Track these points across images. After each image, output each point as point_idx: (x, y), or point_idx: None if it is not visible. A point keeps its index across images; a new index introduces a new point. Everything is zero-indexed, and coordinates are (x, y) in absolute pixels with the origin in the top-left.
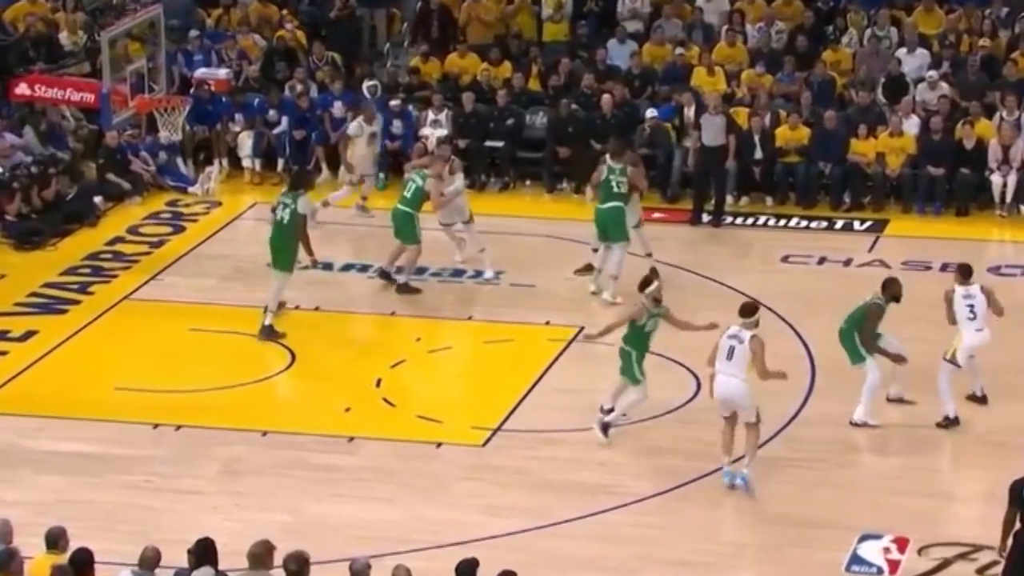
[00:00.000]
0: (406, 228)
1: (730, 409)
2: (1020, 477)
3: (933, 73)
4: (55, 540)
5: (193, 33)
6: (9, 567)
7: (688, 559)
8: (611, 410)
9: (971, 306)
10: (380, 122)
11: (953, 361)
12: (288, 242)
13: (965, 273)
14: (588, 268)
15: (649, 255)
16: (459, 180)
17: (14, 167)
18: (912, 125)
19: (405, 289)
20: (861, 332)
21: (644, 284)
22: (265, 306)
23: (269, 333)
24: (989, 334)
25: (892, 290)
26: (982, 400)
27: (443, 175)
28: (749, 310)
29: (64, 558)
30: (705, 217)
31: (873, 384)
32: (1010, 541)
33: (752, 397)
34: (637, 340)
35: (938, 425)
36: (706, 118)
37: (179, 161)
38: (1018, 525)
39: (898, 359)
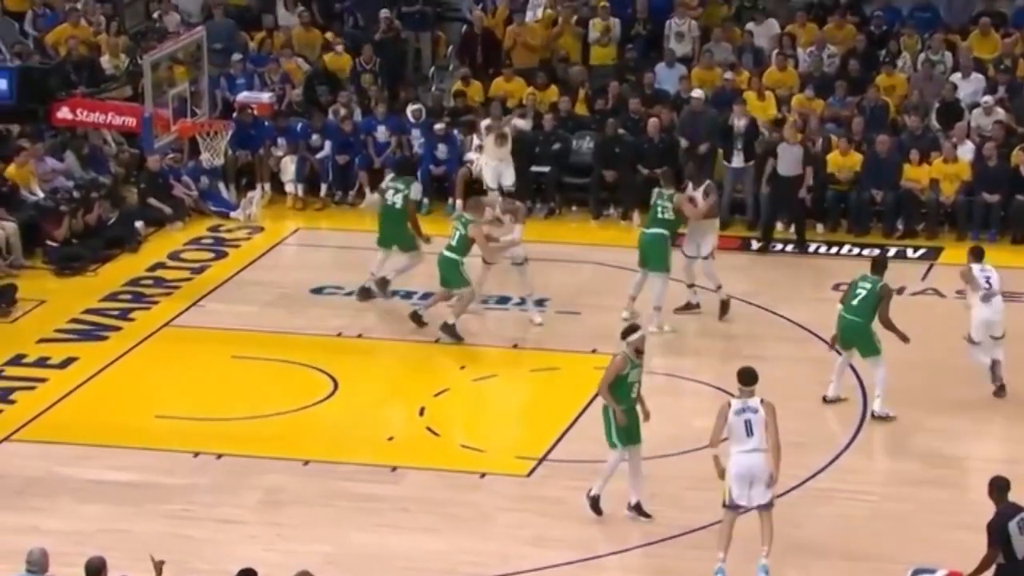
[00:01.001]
0: (452, 275)
1: (748, 488)
2: (997, 514)
3: (988, 98)
4: (96, 572)
5: (236, 57)
6: None
7: None
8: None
9: (987, 278)
10: (512, 127)
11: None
12: (400, 225)
13: (979, 255)
14: (687, 306)
15: (719, 288)
16: (518, 230)
17: (54, 191)
18: (967, 151)
19: (450, 331)
20: (879, 315)
21: (628, 332)
22: (379, 277)
23: (383, 292)
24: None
25: (885, 265)
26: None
27: (503, 220)
28: (752, 377)
29: None
30: (754, 244)
31: (884, 375)
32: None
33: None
34: (619, 391)
35: (996, 394)
36: (783, 147)
37: (221, 186)
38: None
39: (904, 338)
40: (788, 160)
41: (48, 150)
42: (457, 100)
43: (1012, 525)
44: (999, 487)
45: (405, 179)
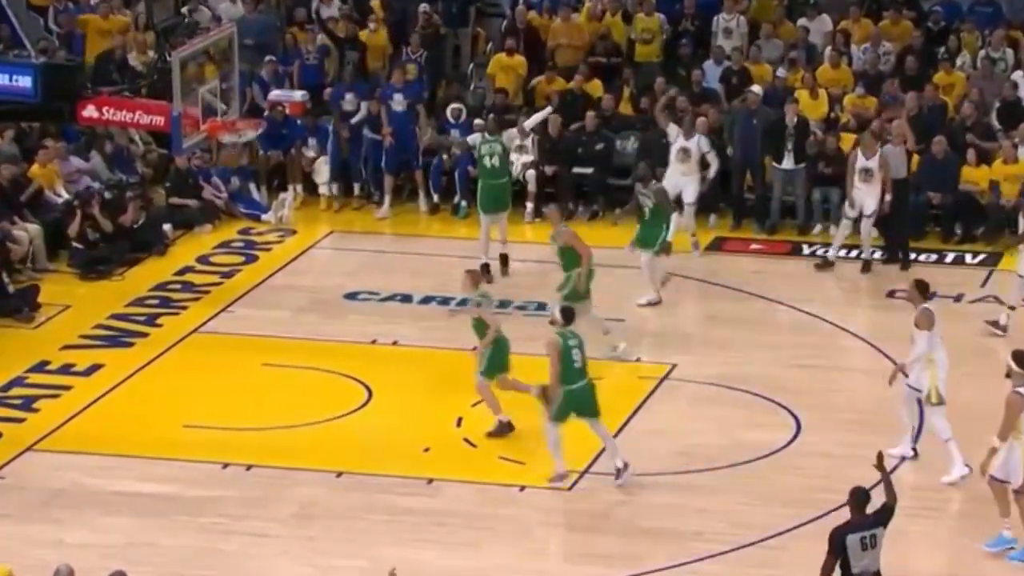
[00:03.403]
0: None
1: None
2: (841, 524)
3: None
4: None
5: (267, 58)
6: None
7: None
8: None
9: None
10: (697, 143)
11: None
12: (504, 181)
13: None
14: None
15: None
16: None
17: (78, 192)
18: None
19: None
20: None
21: None
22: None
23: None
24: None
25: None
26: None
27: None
28: None
29: None
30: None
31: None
32: None
33: None
34: None
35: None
36: (890, 149)
37: (252, 187)
38: (838, 572)
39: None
40: (894, 162)
41: (73, 149)
42: (497, 97)
43: (854, 538)
44: (857, 498)
45: (497, 136)
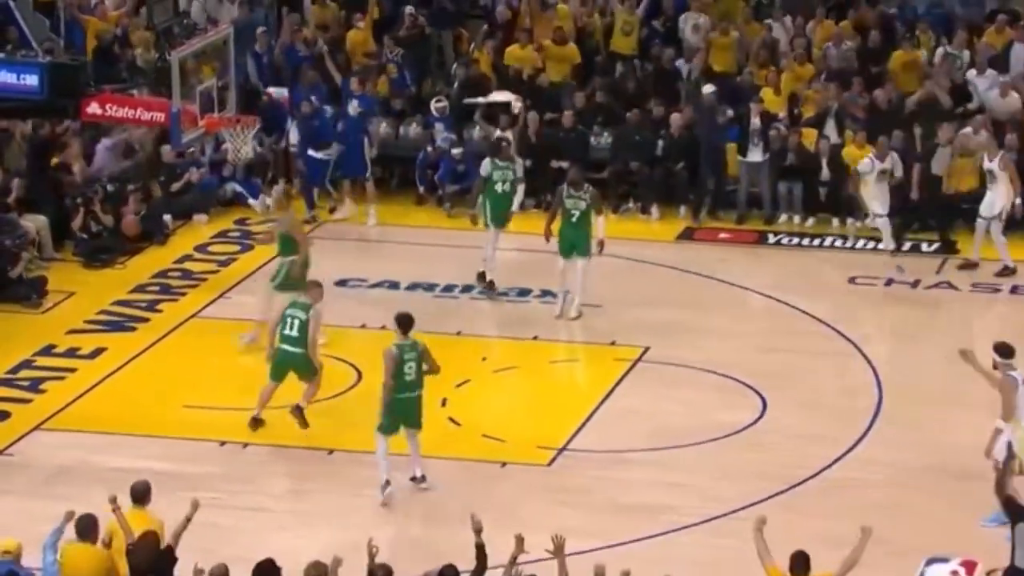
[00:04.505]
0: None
1: None
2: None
3: (1006, 77)
4: (142, 495)
5: (260, 28)
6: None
7: None
8: None
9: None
10: (892, 160)
11: None
12: (509, 203)
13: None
14: None
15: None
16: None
17: (90, 183)
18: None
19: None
20: None
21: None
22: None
23: (490, 286)
24: None
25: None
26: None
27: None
28: None
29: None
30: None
31: None
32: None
33: None
34: None
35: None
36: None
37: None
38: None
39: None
40: (941, 161)
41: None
42: (472, 67)
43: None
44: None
45: (510, 162)
